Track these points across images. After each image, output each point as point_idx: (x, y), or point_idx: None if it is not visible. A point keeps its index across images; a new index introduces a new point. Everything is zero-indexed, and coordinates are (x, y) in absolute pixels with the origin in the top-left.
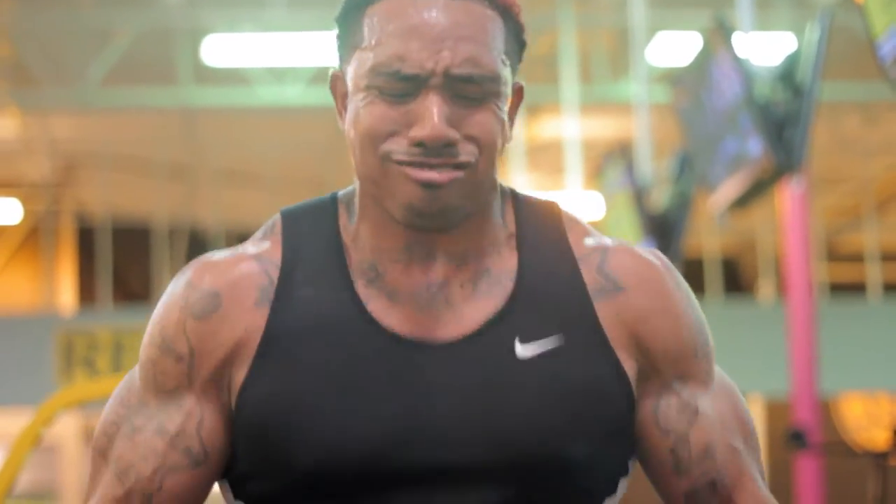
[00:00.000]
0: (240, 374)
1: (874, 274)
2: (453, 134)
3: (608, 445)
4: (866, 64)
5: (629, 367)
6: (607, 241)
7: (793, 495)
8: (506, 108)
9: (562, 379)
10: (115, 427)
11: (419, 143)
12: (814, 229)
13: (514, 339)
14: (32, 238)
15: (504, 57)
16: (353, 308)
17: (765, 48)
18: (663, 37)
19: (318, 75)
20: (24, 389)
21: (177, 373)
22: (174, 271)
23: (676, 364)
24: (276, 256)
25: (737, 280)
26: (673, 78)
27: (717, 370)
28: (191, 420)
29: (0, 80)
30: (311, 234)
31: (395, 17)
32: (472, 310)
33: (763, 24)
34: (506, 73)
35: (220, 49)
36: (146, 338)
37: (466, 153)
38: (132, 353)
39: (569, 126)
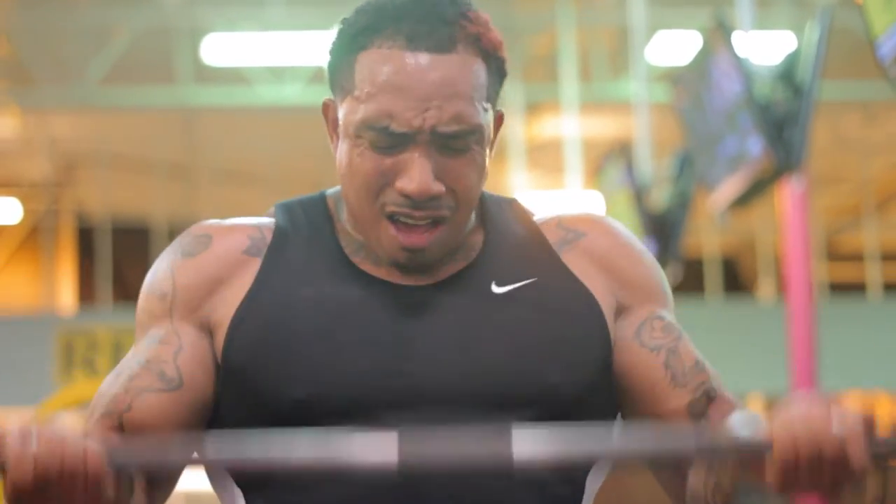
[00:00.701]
0: (226, 312)
1: (874, 273)
2: (437, 188)
3: (591, 374)
4: (866, 63)
5: (605, 301)
6: (559, 210)
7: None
8: (486, 148)
9: (538, 307)
10: (104, 384)
11: (407, 195)
12: (814, 229)
13: (490, 281)
14: (32, 238)
15: (486, 104)
16: (342, 260)
17: (765, 47)
18: (663, 36)
19: (317, 74)
20: (24, 389)
21: (160, 309)
22: None
23: (650, 294)
24: (271, 224)
25: (736, 279)
26: (673, 77)
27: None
28: (167, 346)
29: (0, 80)
30: (303, 212)
31: (384, 71)
32: (449, 266)
33: (763, 23)
34: (488, 118)
35: (220, 48)
36: (141, 292)
37: (446, 206)
38: None
39: (569, 125)
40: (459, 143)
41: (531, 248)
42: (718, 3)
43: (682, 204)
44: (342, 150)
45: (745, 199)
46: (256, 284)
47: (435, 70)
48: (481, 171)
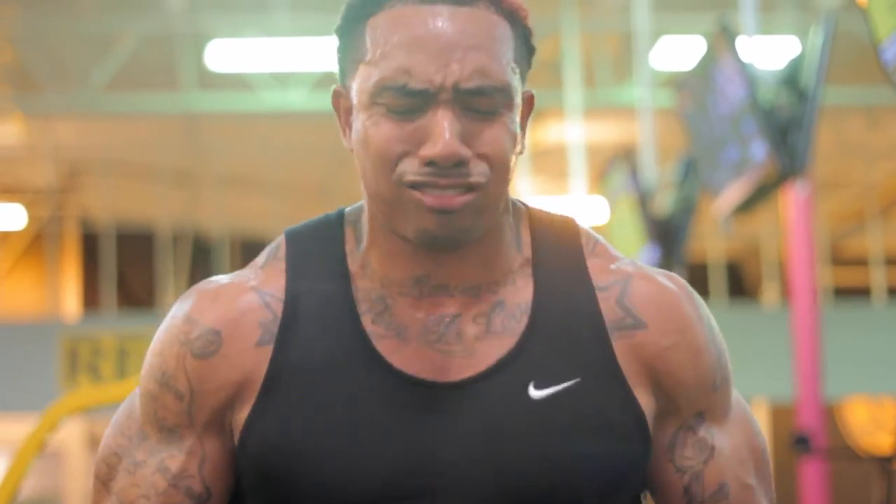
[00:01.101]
0: (242, 414)
1: (878, 278)
2: (465, 151)
3: (622, 487)
4: (870, 68)
5: (646, 403)
6: (628, 266)
7: (797, 500)
8: (517, 118)
9: (577, 421)
10: (115, 458)
11: (430, 163)
12: (818, 233)
13: (528, 381)
14: (36, 244)
15: (514, 65)
16: (360, 346)
17: (769, 52)
18: (667, 41)
19: (321, 80)
20: (28, 395)
21: (177, 410)
22: (178, 277)
23: (695, 400)
24: (280, 287)
25: (741, 284)
26: (677, 82)
27: (735, 394)
28: (192, 459)
29: (4, 86)
30: (317, 261)
31: (399, 28)
32: (484, 347)
33: (767, 28)
34: (516, 81)
35: (224, 54)
36: (145, 368)
37: (478, 173)
38: (136, 359)
39: (573, 130)
40: (486, 103)
41: (582, 327)
42: (722, 9)
43: (687, 209)
44: (356, 127)
45: (749, 205)
46: (268, 380)
47: (454, 22)
48: (515, 139)
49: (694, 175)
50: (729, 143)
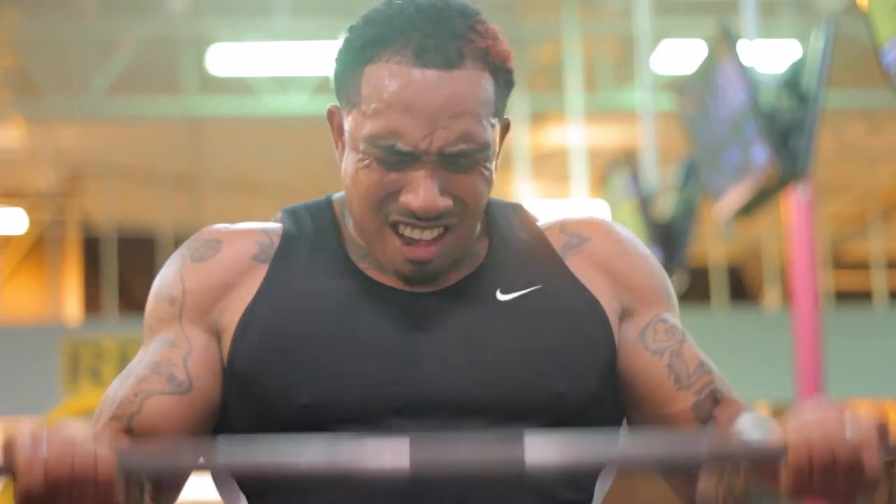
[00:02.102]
0: (233, 317)
1: (880, 281)
2: (444, 203)
3: (598, 381)
4: (871, 71)
5: (609, 306)
6: (561, 217)
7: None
8: (493, 163)
9: (543, 314)
10: (111, 388)
11: (411, 213)
12: (819, 237)
13: (494, 289)
14: (38, 248)
15: (493, 119)
16: (348, 266)
17: (770, 56)
18: (668, 45)
19: (323, 84)
20: (30, 399)
21: (169, 314)
22: None
23: (654, 297)
24: (278, 228)
25: (742, 288)
26: (678, 86)
27: None
28: (177, 350)
29: (5, 90)
30: (310, 218)
31: (391, 87)
32: (454, 273)
33: (768, 31)
34: (494, 133)
35: (225, 58)
36: (149, 295)
37: (453, 215)
38: None
39: (574, 134)
40: (466, 161)
41: (536, 255)
42: (723, 12)
43: (688, 212)
44: (348, 161)
45: (750, 208)
46: (262, 290)
47: (442, 87)
48: (487, 184)
49: (695, 178)
50: (730, 146)
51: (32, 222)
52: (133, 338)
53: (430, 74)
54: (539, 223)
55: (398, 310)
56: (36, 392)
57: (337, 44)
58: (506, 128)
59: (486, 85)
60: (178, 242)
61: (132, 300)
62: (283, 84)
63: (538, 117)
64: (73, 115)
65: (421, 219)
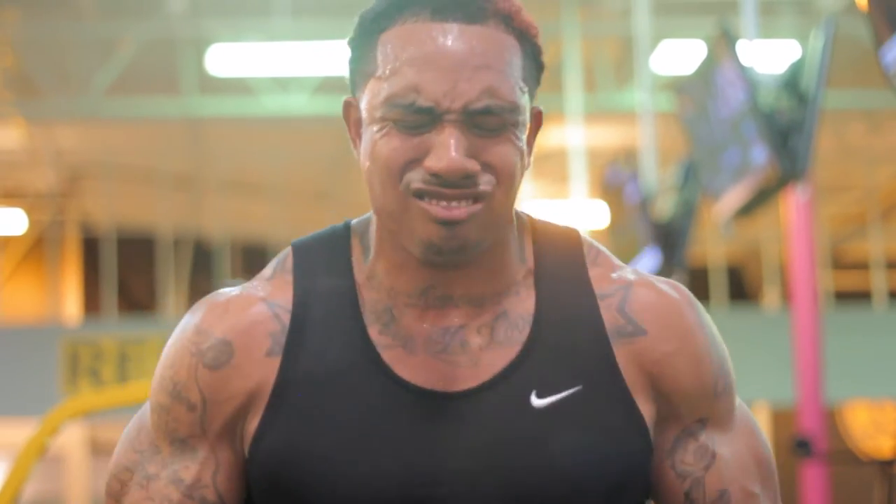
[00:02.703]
0: (252, 424)
1: (879, 281)
2: (472, 165)
3: (623, 493)
4: (871, 72)
5: (647, 411)
6: (629, 275)
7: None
8: (524, 136)
9: (578, 428)
10: (128, 473)
11: (436, 175)
12: (819, 237)
13: (530, 390)
14: (37, 248)
15: (522, 84)
16: (367, 357)
17: (769, 56)
18: (667, 45)
19: (323, 85)
20: (29, 400)
21: (189, 421)
22: (179, 281)
23: (696, 407)
24: (288, 298)
25: (742, 288)
26: (677, 86)
27: (739, 403)
28: (206, 469)
29: (5, 91)
30: (324, 272)
31: (409, 45)
32: (488, 357)
33: (767, 32)
34: (524, 100)
35: (225, 59)
36: (156, 381)
37: (484, 182)
38: (137, 364)
39: (574, 135)
40: (494, 122)
41: (583, 335)
42: (723, 13)
43: (687, 213)
44: (365, 140)
45: (749, 208)
46: (276, 392)
47: (464, 40)
48: (521, 155)
49: (694, 179)
50: (729, 146)
51: (32, 223)
52: (132, 338)
53: (451, 27)
54: (593, 279)
55: (421, 412)
56: (35, 392)
57: (342, 40)
58: (538, 117)
59: (511, 47)
60: (177, 243)
61: (131, 300)
62: (282, 84)
63: None
64: (72, 115)
65: (447, 185)
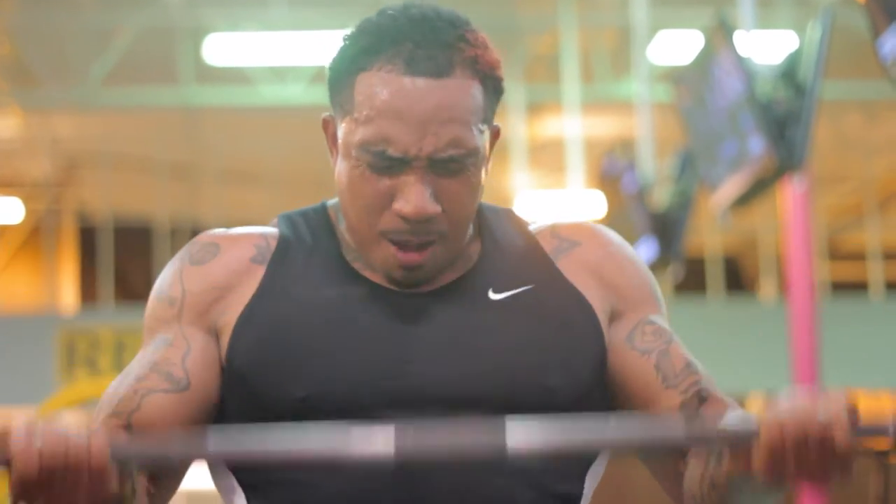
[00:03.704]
0: (231, 317)
1: (876, 272)
2: (433, 209)
3: (587, 378)
4: (868, 62)
5: (599, 307)
6: (551, 220)
7: (794, 494)
8: (482, 169)
9: (534, 313)
10: (110, 387)
11: (404, 217)
12: (815, 228)
13: (487, 288)
14: (34, 237)
15: (481, 126)
16: (343, 267)
17: (766, 47)
18: (665, 35)
19: (319, 74)
20: (25, 389)
21: (169, 315)
22: None
23: (642, 300)
24: (275, 233)
25: (738, 279)
26: (674, 77)
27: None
28: (175, 349)
29: (1, 80)
30: (305, 222)
31: (382, 94)
32: (446, 274)
33: (765, 22)
34: (484, 139)
35: (222, 48)
36: (151, 293)
37: (442, 223)
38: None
39: (570, 125)
40: (455, 166)
41: (527, 257)
42: (720, 3)
43: (684, 203)
44: (341, 168)
45: (746, 199)
46: (260, 290)
47: (432, 95)
48: (476, 190)
49: (691, 169)
50: (727, 137)
51: (28, 212)
52: (129, 327)
53: (421, 83)
54: (531, 227)
55: (391, 308)
56: (32, 381)
57: (333, 48)
58: (496, 134)
59: (476, 93)
60: (174, 232)
61: (128, 290)
62: (279, 74)
63: (535, 108)
64: (69, 104)
65: (412, 226)
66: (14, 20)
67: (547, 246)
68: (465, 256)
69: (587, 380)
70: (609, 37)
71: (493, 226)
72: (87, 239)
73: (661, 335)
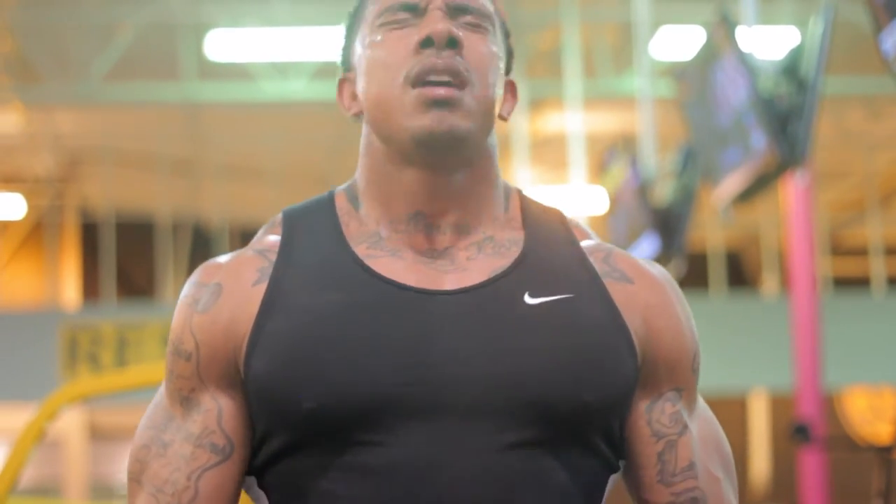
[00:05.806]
0: (243, 343)
1: (878, 268)
2: (455, 32)
3: (620, 396)
4: (870, 58)
5: (637, 340)
6: (609, 244)
7: (797, 489)
8: (501, 42)
9: (571, 324)
10: (145, 450)
11: (427, 42)
12: (818, 223)
13: (523, 291)
14: (36, 233)
15: (494, 10)
16: (352, 264)
17: (768, 42)
18: (667, 31)
19: (321, 70)
20: (28, 384)
21: (189, 373)
22: (178, 266)
23: (674, 374)
24: (276, 241)
25: (740, 274)
26: (676, 72)
27: (699, 397)
28: (210, 415)
29: (4, 76)
30: (310, 218)
31: None
32: (477, 266)
33: (767, 17)
34: (496, 22)
35: (224, 44)
36: (167, 347)
37: (466, 68)
38: (136, 348)
39: (572, 120)
40: (471, 19)
41: (573, 265)
42: None
43: (686, 198)
44: (362, 58)
45: (749, 194)
46: (264, 307)
47: None
48: (495, 59)
49: (694, 165)
50: (729, 133)
51: (31, 208)
52: (131, 323)
53: None
54: (583, 243)
55: (412, 309)
56: (34, 377)
57: (340, 26)
58: (512, 87)
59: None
60: (176, 228)
61: (130, 285)
62: (281, 70)
63: (537, 103)
64: (71, 100)
65: (437, 52)
66: (16, 16)
67: (597, 265)
68: (506, 242)
69: (620, 400)
70: (611, 32)
71: (538, 222)
72: (90, 235)
73: (678, 423)
